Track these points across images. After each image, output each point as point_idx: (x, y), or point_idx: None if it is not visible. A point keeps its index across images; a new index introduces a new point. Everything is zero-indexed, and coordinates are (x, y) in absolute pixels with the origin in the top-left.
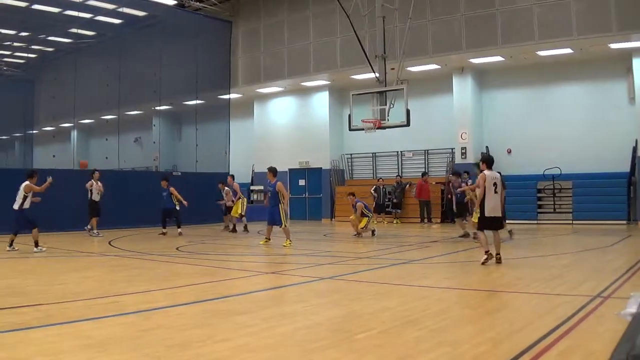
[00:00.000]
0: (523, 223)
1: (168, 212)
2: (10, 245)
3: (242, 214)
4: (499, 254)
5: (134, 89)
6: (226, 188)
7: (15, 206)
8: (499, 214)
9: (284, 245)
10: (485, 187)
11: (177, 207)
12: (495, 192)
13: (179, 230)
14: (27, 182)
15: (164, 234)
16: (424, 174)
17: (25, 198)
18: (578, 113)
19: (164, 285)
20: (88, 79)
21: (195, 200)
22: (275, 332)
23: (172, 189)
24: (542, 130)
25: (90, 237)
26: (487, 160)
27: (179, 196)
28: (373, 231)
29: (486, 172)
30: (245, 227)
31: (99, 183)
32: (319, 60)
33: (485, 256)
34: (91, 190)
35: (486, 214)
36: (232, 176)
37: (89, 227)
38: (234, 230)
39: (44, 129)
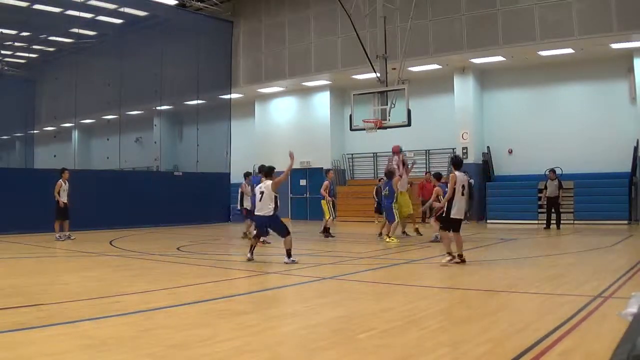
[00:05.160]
0: (524, 223)
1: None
2: (251, 251)
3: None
4: (462, 254)
5: (135, 89)
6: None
7: (270, 212)
8: (462, 217)
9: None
10: (454, 189)
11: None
12: (463, 194)
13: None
14: (270, 182)
15: (263, 242)
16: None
17: (276, 199)
18: (579, 113)
19: (165, 285)
20: (89, 79)
21: (196, 201)
22: (277, 332)
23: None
24: (543, 130)
25: (59, 241)
26: (457, 162)
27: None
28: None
29: (456, 173)
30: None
31: (67, 184)
32: (320, 60)
33: (449, 257)
34: (59, 192)
35: (451, 215)
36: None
37: (67, 233)
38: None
39: (45, 129)
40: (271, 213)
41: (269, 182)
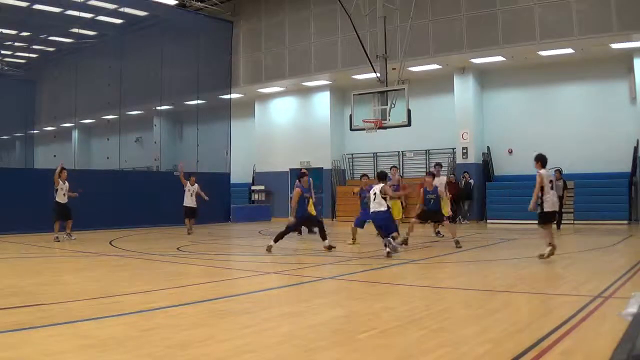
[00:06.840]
0: (524, 223)
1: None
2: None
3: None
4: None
5: (135, 89)
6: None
7: (385, 207)
8: (557, 209)
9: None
10: (542, 186)
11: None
12: (552, 188)
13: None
14: (382, 185)
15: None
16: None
17: (385, 199)
18: (579, 113)
19: (165, 285)
20: (89, 79)
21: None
22: (277, 332)
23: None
24: (543, 130)
25: (58, 241)
26: (542, 160)
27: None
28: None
29: (541, 171)
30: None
31: (67, 183)
32: (320, 60)
33: (550, 248)
34: (56, 190)
35: (546, 209)
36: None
37: (67, 233)
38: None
39: (45, 129)
40: (386, 208)
41: (381, 185)
